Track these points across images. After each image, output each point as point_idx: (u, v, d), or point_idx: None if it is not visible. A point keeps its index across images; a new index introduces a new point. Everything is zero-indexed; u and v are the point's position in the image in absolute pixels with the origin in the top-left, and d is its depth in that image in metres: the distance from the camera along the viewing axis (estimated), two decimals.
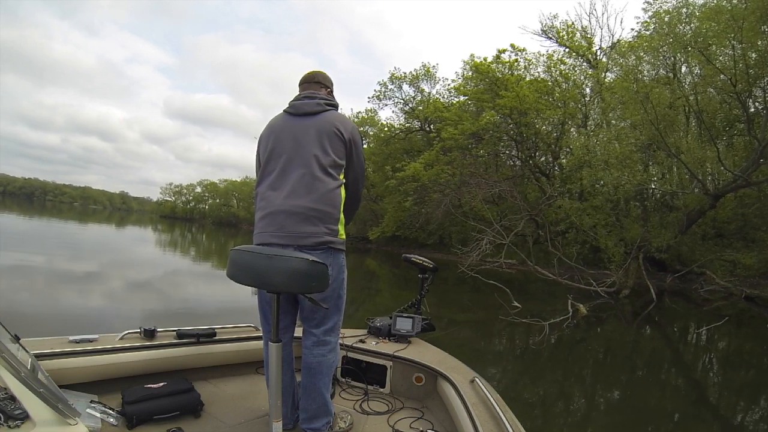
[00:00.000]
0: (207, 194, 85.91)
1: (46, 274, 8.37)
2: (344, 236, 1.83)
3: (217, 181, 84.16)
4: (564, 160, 19.73)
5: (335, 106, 1.90)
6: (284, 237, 1.70)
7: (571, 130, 21.11)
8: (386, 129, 30.45)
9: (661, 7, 15.73)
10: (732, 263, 14.35)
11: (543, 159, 22.70)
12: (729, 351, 7.67)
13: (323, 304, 1.66)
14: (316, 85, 1.93)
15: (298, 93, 1.93)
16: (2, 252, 10.24)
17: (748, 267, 13.77)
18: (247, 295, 6.90)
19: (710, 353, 7.28)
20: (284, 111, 1.89)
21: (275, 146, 1.80)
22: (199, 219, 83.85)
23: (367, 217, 31.75)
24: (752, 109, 14.75)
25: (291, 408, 1.85)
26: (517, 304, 8.37)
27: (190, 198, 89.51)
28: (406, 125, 29.32)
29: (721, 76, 13.50)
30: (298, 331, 1.89)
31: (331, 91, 1.98)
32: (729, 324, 8.84)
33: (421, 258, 2.79)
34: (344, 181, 1.85)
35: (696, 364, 6.59)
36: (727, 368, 6.36)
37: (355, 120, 32.29)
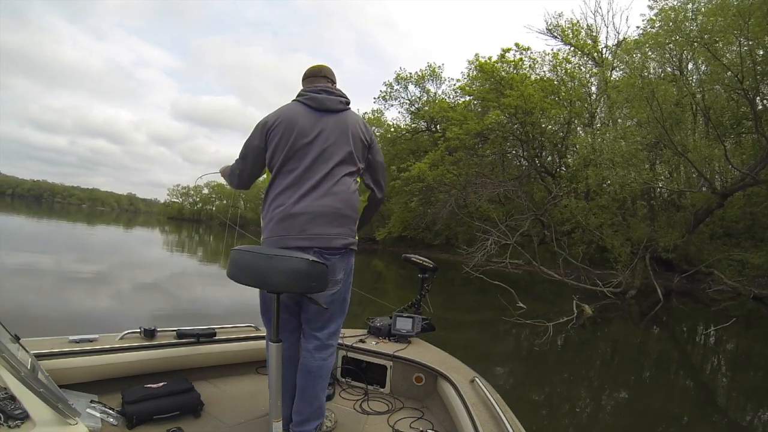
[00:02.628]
0: (214, 195, 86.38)
1: (53, 274, 8.45)
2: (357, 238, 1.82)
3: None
4: (570, 160, 19.62)
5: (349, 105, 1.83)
6: (306, 239, 1.63)
7: (578, 129, 20.99)
8: (392, 129, 30.48)
9: (666, 3, 15.63)
10: (740, 263, 14.19)
11: (549, 158, 22.59)
12: (737, 352, 7.59)
13: (325, 306, 1.66)
14: (324, 79, 1.83)
15: (304, 86, 1.83)
16: (11, 253, 10.36)
17: (756, 267, 13.60)
18: (251, 295, 6.90)
19: (718, 354, 7.20)
20: (302, 102, 1.75)
21: (301, 144, 1.68)
22: (207, 220, 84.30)
23: (373, 218, 31.71)
24: (760, 107, 14.55)
25: (292, 408, 1.85)
26: (521, 305, 8.31)
27: (198, 199, 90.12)
28: (412, 125, 29.31)
29: (728, 72, 13.34)
30: None
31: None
32: (737, 325, 8.74)
33: (421, 258, 2.80)
34: (358, 183, 1.83)
35: (704, 365, 6.52)
36: (735, 370, 6.30)
37: None
